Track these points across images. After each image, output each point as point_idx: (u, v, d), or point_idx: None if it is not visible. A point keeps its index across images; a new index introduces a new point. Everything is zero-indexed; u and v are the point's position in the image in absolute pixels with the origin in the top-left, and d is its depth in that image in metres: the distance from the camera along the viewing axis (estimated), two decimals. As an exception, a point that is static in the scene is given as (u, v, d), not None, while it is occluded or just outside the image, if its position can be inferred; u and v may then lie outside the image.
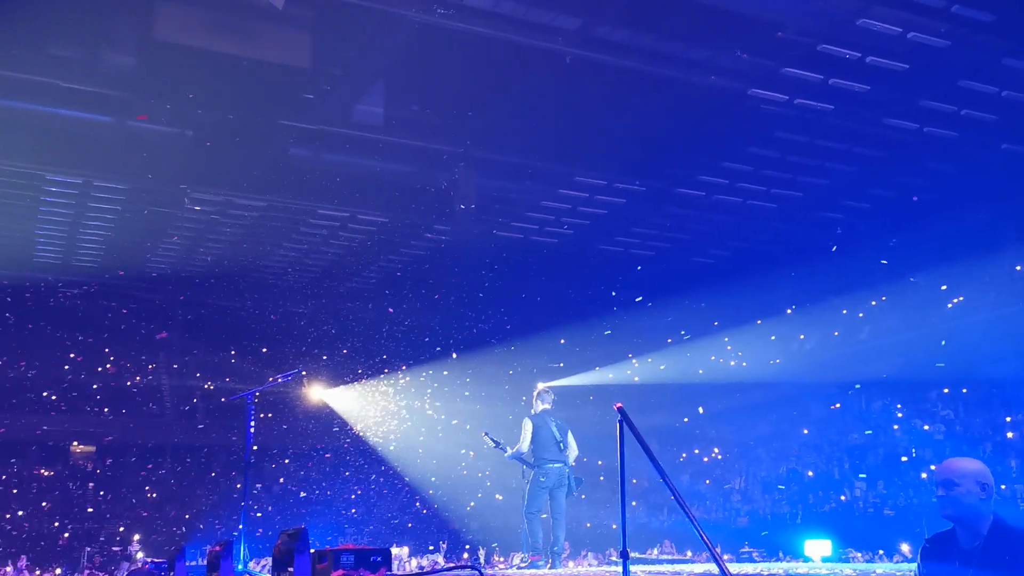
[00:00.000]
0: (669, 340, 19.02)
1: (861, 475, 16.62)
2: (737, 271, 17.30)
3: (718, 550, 5.11)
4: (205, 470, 21.09)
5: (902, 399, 17.23)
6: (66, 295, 18.81)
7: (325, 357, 20.22)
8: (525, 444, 9.77)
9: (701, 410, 19.70)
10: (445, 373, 20.48)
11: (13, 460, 19.91)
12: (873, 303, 17.22)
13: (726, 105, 12.30)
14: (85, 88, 11.48)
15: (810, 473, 17.85)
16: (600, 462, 16.63)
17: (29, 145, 12.64)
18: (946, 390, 16.74)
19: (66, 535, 18.75)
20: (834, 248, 16.45)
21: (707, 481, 19.61)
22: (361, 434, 20.92)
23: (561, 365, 19.25)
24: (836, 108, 12.48)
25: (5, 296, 17.97)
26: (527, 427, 9.84)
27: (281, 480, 21.33)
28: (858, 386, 18.00)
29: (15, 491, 19.43)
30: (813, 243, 16.71)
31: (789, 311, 17.72)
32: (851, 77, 11.76)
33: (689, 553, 15.44)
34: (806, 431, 18.87)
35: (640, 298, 18.82)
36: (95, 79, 11.35)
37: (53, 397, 19.96)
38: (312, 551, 4.67)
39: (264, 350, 20.40)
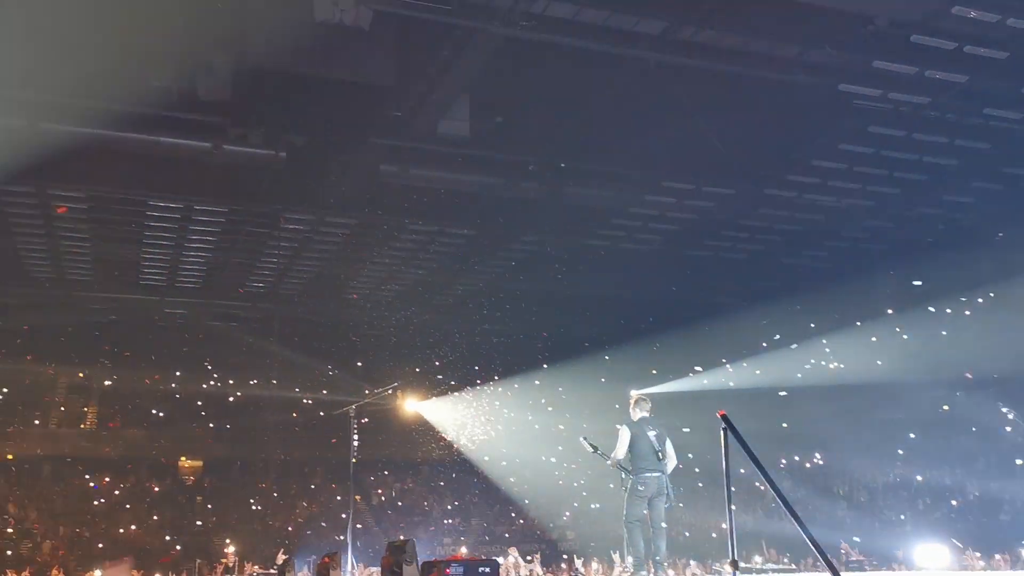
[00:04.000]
0: (764, 344, 18.63)
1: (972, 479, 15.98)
2: (833, 272, 16.86)
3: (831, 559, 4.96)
4: (305, 482, 21.56)
5: (1014, 399, 16.49)
6: (170, 315, 19.53)
7: (418, 370, 20.48)
8: (621, 452, 9.64)
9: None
10: (537, 383, 20.49)
11: (125, 476, 20.71)
12: (980, 300, 16.53)
13: (816, 102, 12.04)
14: (183, 115, 11.92)
15: (919, 477, 17.22)
16: (697, 469, 16.37)
17: (132, 172, 13.16)
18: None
19: (177, 548, 19.40)
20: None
21: (810, 487, 19.10)
22: (455, 445, 21.09)
23: (654, 372, 19.05)
24: (933, 100, 12.08)
25: (111, 316, 18.76)
26: (624, 435, 9.71)
27: (379, 491, 21.65)
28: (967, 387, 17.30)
29: (128, 506, 20.20)
30: (913, 240, 16.16)
31: (890, 311, 17.15)
32: (947, 68, 11.37)
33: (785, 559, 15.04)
34: (913, 434, 18.22)
35: (732, 302, 18.49)
36: (192, 107, 11.78)
37: (161, 414, 20.73)
38: (422, 562, 4.72)
39: (359, 364, 20.78)
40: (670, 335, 18.56)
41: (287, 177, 13.20)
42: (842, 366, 18.14)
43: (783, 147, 13.42)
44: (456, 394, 20.83)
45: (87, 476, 20.14)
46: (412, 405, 19.95)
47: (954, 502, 16.01)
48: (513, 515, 20.63)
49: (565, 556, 17.87)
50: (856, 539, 15.31)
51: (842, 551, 14.36)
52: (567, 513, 19.96)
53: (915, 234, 16.10)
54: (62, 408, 20.66)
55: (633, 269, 17.42)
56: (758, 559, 15.33)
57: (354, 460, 12.25)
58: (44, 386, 20.23)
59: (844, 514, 18.04)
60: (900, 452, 18.24)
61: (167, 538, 19.74)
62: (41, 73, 10.92)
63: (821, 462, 19.76)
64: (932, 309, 16.60)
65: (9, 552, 18.73)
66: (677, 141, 13.11)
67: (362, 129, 12.35)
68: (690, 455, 11.41)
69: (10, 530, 19.09)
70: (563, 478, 19.74)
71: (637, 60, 11.02)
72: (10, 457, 19.53)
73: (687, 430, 13.09)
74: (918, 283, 15.99)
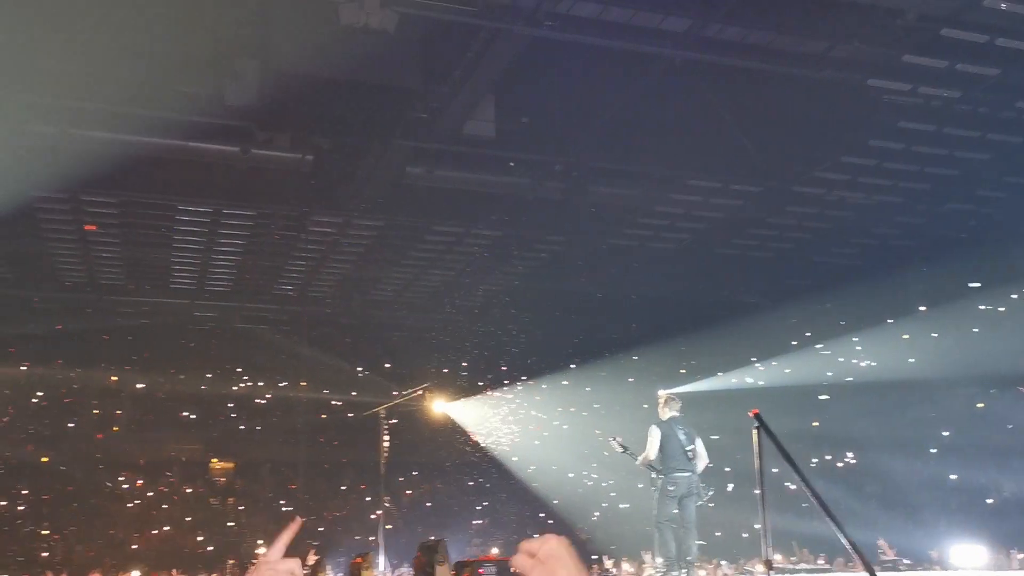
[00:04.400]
0: (794, 343, 18.48)
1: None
2: (863, 269, 16.69)
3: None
4: (335, 483, 21.68)
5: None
6: (200, 318, 19.71)
7: (446, 371, 20.52)
8: (652, 452, 9.63)
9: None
10: (564, 383, 20.47)
11: (158, 479, 20.93)
12: (1014, 296, 16.30)
13: (844, 98, 11.91)
14: (211, 121, 12.01)
15: (953, 476, 17.00)
16: (727, 469, 16.27)
17: (162, 177, 13.30)
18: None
19: (210, 548, 19.58)
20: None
21: (842, 486, 18.92)
22: (483, 446, 21.12)
23: (683, 371, 18.96)
24: (964, 94, 11.92)
25: (142, 320, 18.96)
26: (654, 434, 9.70)
27: (408, 492, 21.73)
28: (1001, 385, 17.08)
29: (164, 506, 20.43)
30: (944, 236, 15.96)
31: (922, 308, 16.95)
32: (979, 61, 11.22)
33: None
34: (946, 432, 18.00)
35: (761, 301, 18.36)
36: (220, 112, 11.87)
37: (192, 417, 20.93)
38: (454, 561, 4.73)
39: (387, 365, 20.86)
40: (698, 334, 18.45)
41: (314, 180, 13.28)
42: (874, 364, 17.96)
43: (811, 144, 13.30)
44: (484, 395, 20.86)
45: (120, 478, 20.38)
46: (440, 406, 19.99)
47: (989, 501, 15.79)
48: (542, 515, 20.61)
49: (595, 556, 17.82)
50: (882, 541, 15.16)
51: (879, 549, 14.20)
52: (596, 513, 19.92)
53: (947, 230, 15.91)
54: (95, 411, 20.91)
55: (660, 268, 17.34)
56: (793, 559, 15.21)
57: (383, 461, 12.31)
58: (77, 390, 20.48)
59: (877, 514, 17.86)
60: (933, 451, 18.02)
61: (199, 539, 19.94)
62: (72, 81, 11.06)
63: (853, 461, 19.57)
64: (969, 306, 16.41)
65: (46, 554, 19.01)
66: (703, 139, 13.04)
67: (388, 131, 12.39)
68: (719, 456, 11.33)
69: (45, 532, 19.37)
70: (592, 478, 19.70)
71: (662, 58, 10.97)
72: (44, 460, 19.80)
73: (716, 437, 13.02)
74: (975, 285, 15.74)
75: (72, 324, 18.68)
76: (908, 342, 17.34)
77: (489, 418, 21.06)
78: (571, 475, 20.01)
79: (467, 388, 20.74)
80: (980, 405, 17.55)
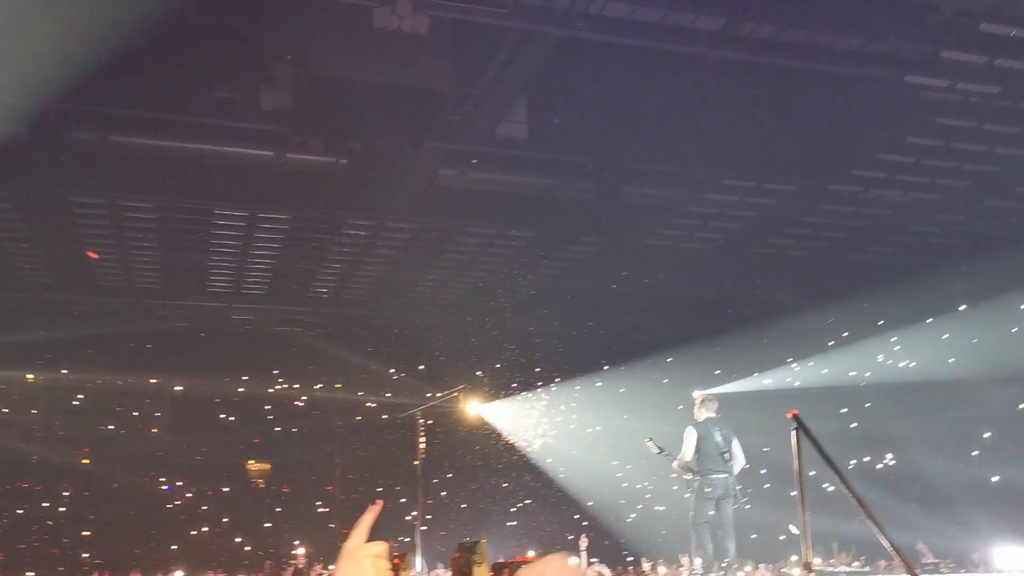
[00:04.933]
0: (831, 343, 18.27)
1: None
2: (901, 268, 16.46)
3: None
4: (371, 484, 21.78)
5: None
6: (236, 320, 19.91)
7: (480, 372, 20.54)
8: (688, 453, 9.57)
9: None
10: (598, 384, 20.41)
11: (196, 480, 21.16)
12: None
13: (881, 95, 11.77)
14: (247, 125, 12.15)
15: (995, 477, 16.71)
16: (764, 470, 16.14)
17: (198, 182, 13.46)
18: None
19: (247, 549, 19.77)
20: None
21: (881, 488, 18.68)
22: (518, 447, 21.11)
23: (717, 372, 18.82)
24: (1003, 89, 11.73)
25: (181, 323, 19.20)
26: (690, 436, 9.64)
27: (443, 493, 21.77)
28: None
29: (203, 507, 20.66)
30: (984, 234, 15.70)
31: (963, 307, 16.68)
32: (1018, 55, 11.05)
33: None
34: (987, 433, 17.70)
35: (796, 301, 18.16)
36: (255, 116, 12.01)
37: (230, 419, 21.14)
38: (492, 563, 4.73)
39: (421, 367, 20.93)
40: (733, 335, 18.30)
41: (348, 183, 13.37)
42: (913, 364, 17.71)
43: (848, 141, 13.15)
44: (518, 396, 20.85)
45: (160, 480, 20.64)
46: (475, 408, 20.02)
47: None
48: (577, 517, 20.57)
49: (631, 558, 17.77)
50: (921, 545, 14.95)
51: (919, 551, 14.01)
52: (632, 515, 19.84)
53: (986, 227, 15.65)
54: (134, 414, 21.18)
55: (694, 268, 17.24)
56: (832, 561, 15.05)
57: (418, 462, 12.36)
58: (116, 393, 20.77)
59: (917, 515, 17.60)
60: (975, 454, 17.73)
61: (237, 540, 20.14)
62: (108, 87, 11.24)
63: (892, 462, 19.31)
64: (1010, 304, 16.12)
65: (86, 555, 19.30)
66: (737, 137, 12.94)
67: (421, 134, 12.44)
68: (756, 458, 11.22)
69: (86, 533, 19.67)
70: (627, 480, 19.61)
71: (695, 57, 10.91)
72: (85, 463, 20.11)
73: (753, 439, 12.89)
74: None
75: (111, 328, 18.95)
76: (948, 342, 17.08)
77: (523, 419, 21.05)
78: (606, 477, 19.94)
79: (501, 389, 20.75)
80: (1022, 406, 17.24)
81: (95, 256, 14.97)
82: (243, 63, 11.53)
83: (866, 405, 18.89)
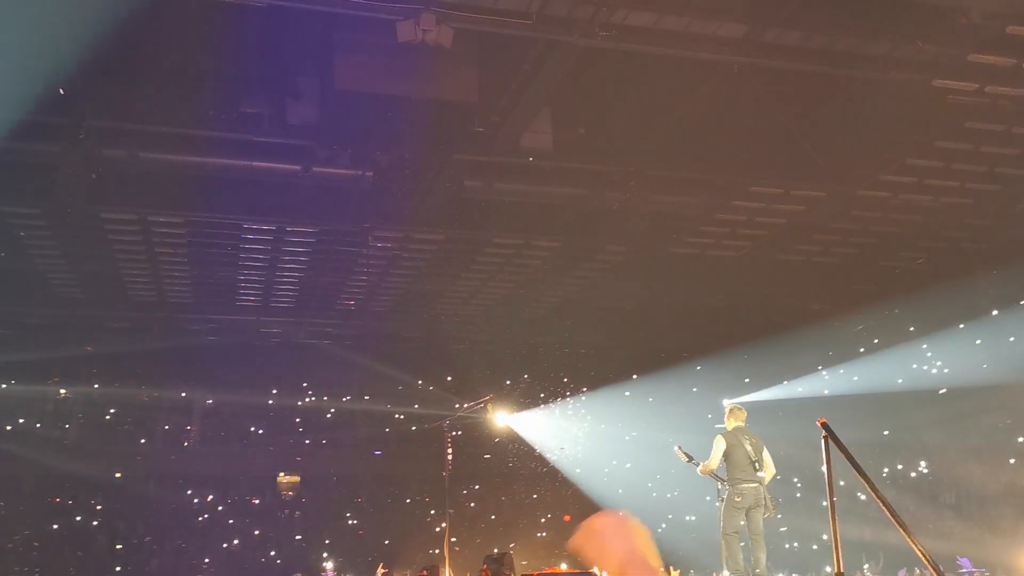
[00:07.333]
0: (862, 350, 18.08)
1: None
2: (932, 273, 16.27)
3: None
4: (400, 496, 21.82)
5: None
6: (265, 333, 20.05)
7: (508, 382, 20.53)
8: (715, 461, 9.49)
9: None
10: (627, 393, 20.33)
11: (227, 493, 21.30)
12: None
13: (909, 99, 11.65)
14: (273, 140, 12.26)
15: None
16: (796, 480, 15.99)
17: (227, 196, 13.58)
18: None
19: (279, 561, 19.86)
20: None
21: (915, 496, 18.43)
22: (547, 457, 21.06)
23: (747, 381, 18.68)
24: (1034, 92, 11.57)
25: (211, 336, 19.36)
26: (719, 444, 9.57)
27: (472, 504, 21.75)
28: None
29: (231, 521, 20.78)
30: (1016, 238, 15.48)
31: (995, 312, 16.45)
32: (1048, 57, 10.89)
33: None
34: (1023, 439, 17.41)
35: (826, 308, 18.00)
36: (282, 131, 12.12)
37: (259, 431, 21.27)
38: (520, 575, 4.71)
39: (448, 378, 20.96)
40: (762, 343, 18.17)
41: (374, 196, 13.42)
42: (945, 370, 17.48)
43: (876, 147, 13.03)
44: (546, 406, 20.81)
45: (190, 492, 20.79)
46: (503, 418, 19.99)
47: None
48: (607, 528, 20.44)
49: (662, 568, 17.61)
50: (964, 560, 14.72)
51: (960, 567, 13.82)
52: (662, 525, 19.71)
53: (1018, 231, 15.43)
54: (166, 427, 21.38)
55: (722, 276, 17.14)
56: (865, 568, 14.87)
57: (446, 473, 12.35)
58: (147, 407, 20.98)
59: (952, 524, 17.35)
60: (1012, 461, 17.44)
61: (270, 552, 20.23)
62: (141, 104, 11.40)
63: (926, 470, 19.05)
64: None
65: (118, 568, 19.46)
66: (764, 144, 12.87)
67: (446, 146, 12.48)
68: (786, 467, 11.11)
69: (119, 546, 19.84)
70: (657, 489, 19.49)
71: (720, 64, 10.87)
72: (118, 476, 20.30)
73: (783, 447, 12.78)
74: None
75: (142, 342, 19.16)
76: (981, 347, 16.84)
77: (551, 430, 21.00)
78: (635, 486, 19.82)
79: (529, 400, 20.72)
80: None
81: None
82: (269, 78, 11.64)
83: (899, 413, 18.66)
